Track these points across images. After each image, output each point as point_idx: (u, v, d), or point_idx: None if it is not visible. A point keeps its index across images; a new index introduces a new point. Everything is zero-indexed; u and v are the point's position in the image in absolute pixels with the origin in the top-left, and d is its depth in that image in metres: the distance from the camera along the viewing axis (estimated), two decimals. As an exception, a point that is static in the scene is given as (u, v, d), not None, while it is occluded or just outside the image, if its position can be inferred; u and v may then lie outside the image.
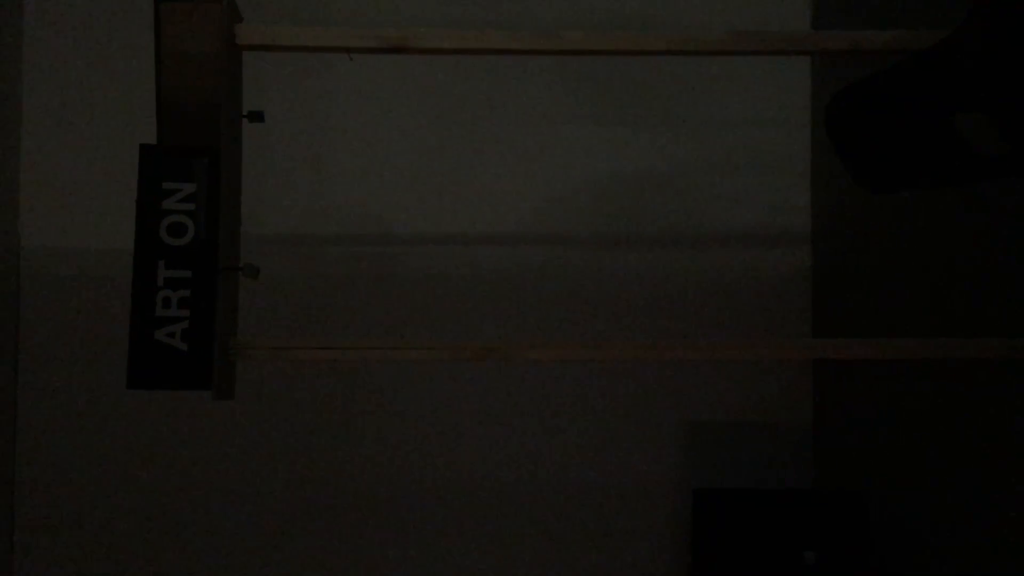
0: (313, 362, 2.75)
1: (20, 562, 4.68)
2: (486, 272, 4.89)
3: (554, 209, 4.96)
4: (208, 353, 2.54)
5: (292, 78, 4.80)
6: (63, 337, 4.76)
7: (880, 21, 4.19)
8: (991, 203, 3.38)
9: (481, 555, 4.82)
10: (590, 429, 4.83)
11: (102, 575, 4.67)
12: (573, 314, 4.89)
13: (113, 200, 4.60)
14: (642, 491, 4.84)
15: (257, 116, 2.92)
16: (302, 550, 4.76)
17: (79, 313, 4.74)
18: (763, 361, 4.80)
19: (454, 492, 4.81)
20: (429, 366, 4.42)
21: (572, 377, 4.79)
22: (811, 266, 5.01)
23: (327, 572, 4.79)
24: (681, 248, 5.00)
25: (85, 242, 4.75)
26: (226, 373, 2.65)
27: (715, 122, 5.02)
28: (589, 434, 4.83)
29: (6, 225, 4.69)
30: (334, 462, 4.74)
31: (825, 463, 4.90)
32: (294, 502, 4.76)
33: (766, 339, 2.95)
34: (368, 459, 4.78)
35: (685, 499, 4.65)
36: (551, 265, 4.95)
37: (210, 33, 2.75)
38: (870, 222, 4.50)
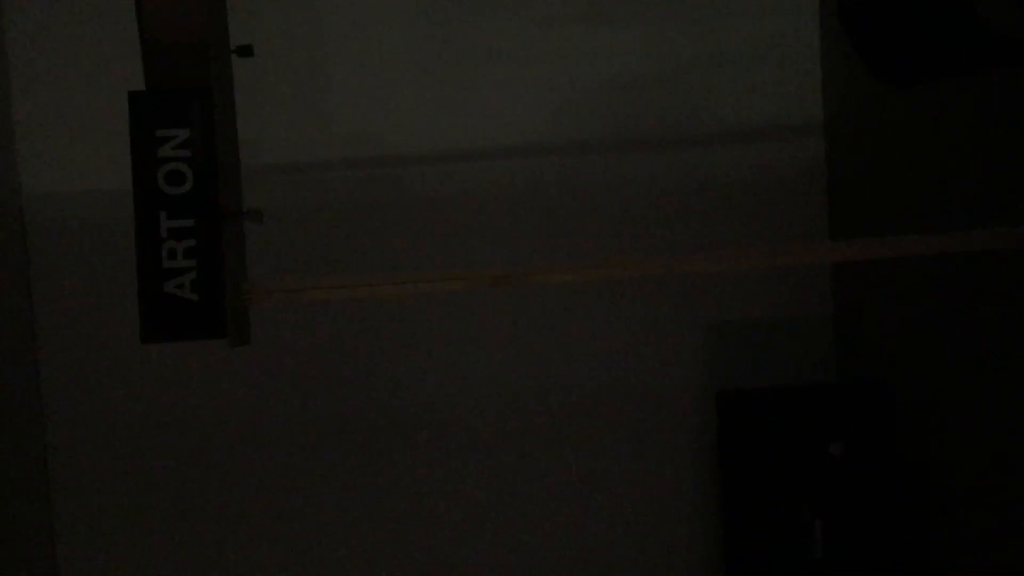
0: (325, 301, 2.71)
1: (58, 508, 4.76)
2: (492, 187, 4.81)
3: (557, 116, 4.85)
4: (220, 301, 2.49)
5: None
6: (75, 283, 4.74)
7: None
8: (1010, 89, 3.27)
9: (506, 468, 4.86)
10: (608, 340, 4.81)
11: (137, 514, 4.74)
12: (584, 224, 4.83)
13: (113, 140, 4.50)
14: (664, 396, 4.84)
15: (246, 50, 2.82)
16: (321, 483, 4.81)
17: (89, 259, 4.70)
18: (783, 274, 4.77)
19: (475, 412, 4.83)
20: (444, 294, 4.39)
21: (586, 289, 4.75)
22: (825, 159, 4.91)
23: (348, 503, 4.84)
24: (690, 148, 4.89)
25: (88, 185, 4.69)
26: (239, 319, 2.61)
27: (717, 11, 4.86)
28: (607, 345, 4.82)
29: (5, 172, 4.62)
30: (350, 394, 4.75)
31: (848, 356, 4.88)
32: (312, 435, 4.79)
33: (785, 245, 2.87)
34: (385, 387, 4.78)
35: (708, 402, 4.67)
36: (558, 175, 4.85)
37: (190, -32, 2.64)
38: (884, 111, 4.40)
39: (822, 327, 4.88)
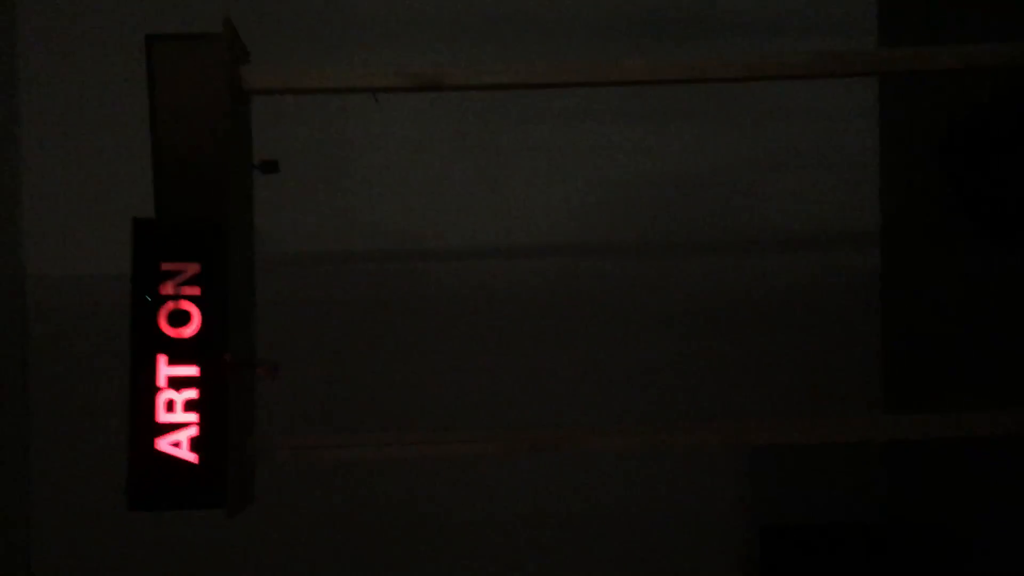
0: (342, 462, 2.39)
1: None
2: (520, 286, 4.46)
3: (591, 215, 4.51)
4: (222, 465, 2.16)
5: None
6: (72, 367, 4.41)
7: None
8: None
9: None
10: (649, 464, 4.46)
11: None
12: (619, 329, 4.45)
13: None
14: (706, 528, 4.49)
15: (271, 167, 2.51)
16: None
17: (87, 342, 4.38)
18: (828, 385, 4.43)
19: (508, 529, 4.47)
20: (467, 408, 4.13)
21: (629, 409, 4.41)
22: (880, 271, 4.56)
23: None
24: (735, 254, 4.54)
25: (90, 268, 4.37)
26: (243, 482, 2.27)
27: (770, 111, 4.52)
28: (649, 469, 4.46)
29: (8, 253, 4.32)
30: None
31: (898, 494, 4.55)
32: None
33: (831, 419, 2.60)
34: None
35: (751, 535, 4.32)
36: (591, 277, 4.49)
37: (211, 77, 2.34)
38: (942, 220, 4.10)
39: (870, 459, 4.53)
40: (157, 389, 2.17)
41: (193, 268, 2.20)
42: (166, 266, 2.20)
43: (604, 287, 4.52)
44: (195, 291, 2.19)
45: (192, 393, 2.18)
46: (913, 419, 2.68)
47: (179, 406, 2.18)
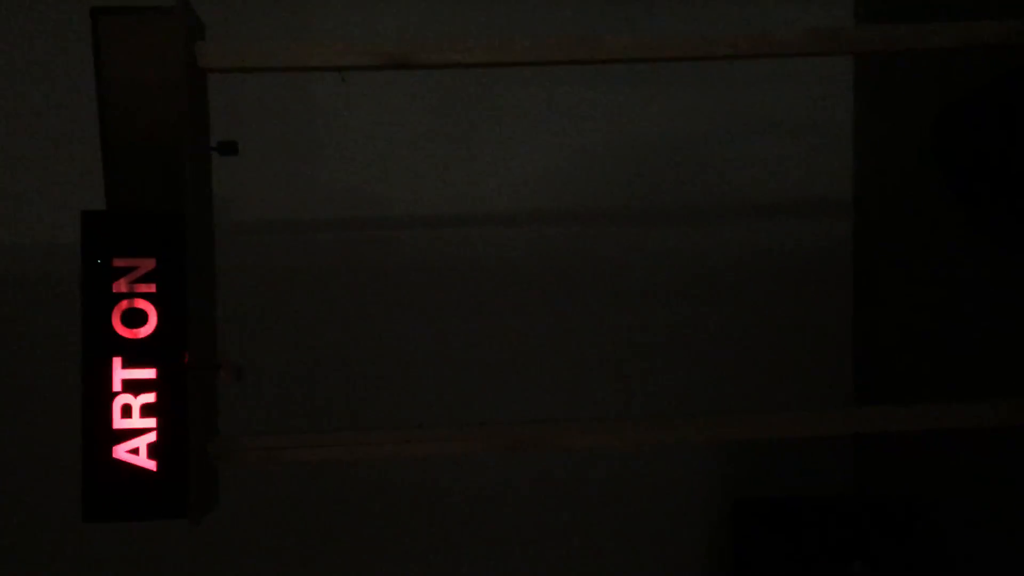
0: (311, 462, 2.27)
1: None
2: (497, 257, 4.33)
3: (567, 182, 4.37)
4: (182, 471, 2.03)
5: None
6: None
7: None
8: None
9: (519, 571, 4.44)
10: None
11: None
12: (596, 301, 4.35)
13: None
14: (681, 501, 4.46)
15: (229, 147, 2.35)
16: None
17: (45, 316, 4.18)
18: (801, 362, 4.38)
19: (488, 507, 4.41)
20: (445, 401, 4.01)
21: (603, 387, 4.32)
22: (852, 238, 4.49)
23: None
24: (711, 221, 4.44)
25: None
26: (205, 486, 2.15)
27: (744, 79, 4.40)
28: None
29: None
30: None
31: (867, 468, 4.54)
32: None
33: (808, 414, 2.55)
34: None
35: (725, 508, 4.28)
36: (566, 245, 4.37)
37: (164, 54, 2.17)
38: (917, 187, 4.00)
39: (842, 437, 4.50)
40: (113, 394, 2.03)
41: (148, 264, 2.04)
42: (119, 262, 2.04)
43: (578, 256, 4.41)
44: (150, 288, 2.05)
45: (150, 397, 2.04)
46: (890, 412, 2.62)
47: (136, 411, 2.04)
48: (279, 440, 2.19)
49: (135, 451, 2.04)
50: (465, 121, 4.30)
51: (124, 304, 2.04)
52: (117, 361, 2.04)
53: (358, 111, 4.20)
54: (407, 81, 4.19)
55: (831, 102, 4.44)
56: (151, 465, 2.03)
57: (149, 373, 2.04)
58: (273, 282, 4.06)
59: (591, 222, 4.42)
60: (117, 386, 2.04)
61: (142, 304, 2.05)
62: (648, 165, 4.39)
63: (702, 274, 4.39)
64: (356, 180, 4.26)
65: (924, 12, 3.76)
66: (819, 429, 2.56)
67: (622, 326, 4.34)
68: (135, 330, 2.06)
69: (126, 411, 2.04)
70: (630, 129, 4.38)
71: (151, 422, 2.04)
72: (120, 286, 2.04)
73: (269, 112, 4.08)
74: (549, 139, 4.34)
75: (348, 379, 4.10)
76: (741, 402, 4.37)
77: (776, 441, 4.35)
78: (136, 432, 2.04)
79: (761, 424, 2.45)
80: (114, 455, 2.03)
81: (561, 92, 4.34)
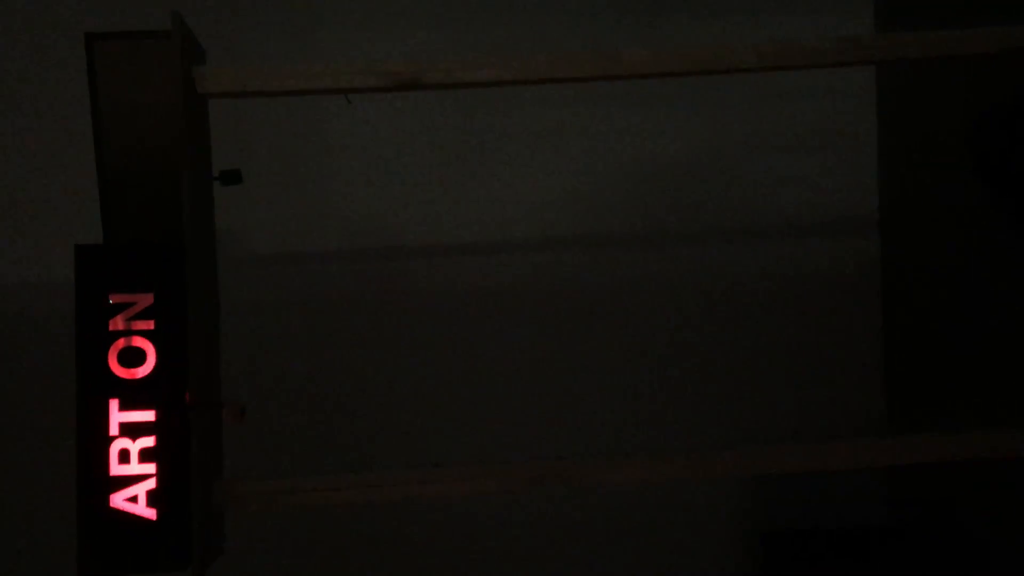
0: (323, 506, 2.14)
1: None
2: (505, 282, 4.21)
3: (580, 204, 4.25)
4: (184, 520, 1.91)
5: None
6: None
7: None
8: None
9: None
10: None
11: None
12: (614, 325, 4.20)
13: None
14: (706, 533, 4.29)
15: (232, 177, 2.24)
16: None
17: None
18: (831, 384, 4.22)
19: (499, 531, 4.25)
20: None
21: (626, 415, 4.15)
22: (880, 254, 4.34)
23: None
24: (730, 242, 4.30)
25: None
26: (210, 535, 2.02)
27: (765, 95, 4.27)
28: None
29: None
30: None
31: (900, 494, 4.37)
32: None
33: (843, 445, 2.41)
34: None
35: (752, 541, 4.11)
36: (587, 271, 4.23)
37: (162, 79, 2.06)
38: (944, 204, 3.88)
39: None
40: (110, 439, 1.91)
41: (146, 299, 1.93)
42: (115, 298, 1.93)
43: (597, 281, 4.28)
44: (149, 325, 1.93)
45: (149, 441, 1.92)
46: (922, 441, 2.47)
47: (134, 456, 1.92)
48: (288, 484, 2.06)
49: (134, 499, 1.92)
50: (475, 142, 4.18)
51: (121, 342, 1.93)
52: (114, 403, 1.92)
53: (367, 134, 4.09)
54: (417, 103, 4.08)
55: (854, 116, 4.31)
56: (151, 514, 1.91)
57: (148, 415, 1.92)
58: (280, 314, 3.95)
59: (610, 245, 4.29)
60: (114, 429, 1.91)
61: (140, 342, 1.93)
62: (668, 184, 4.27)
63: (726, 297, 4.24)
64: (366, 207, 4.15)
65: (944, 21, 3.68)
66: (855, 461, 2.42)
67: (645, 352, 4.18)
68: (133, 370, 1.94)
69: (124, 456, 1.92)
70: (648, 148, 4.25)
71: (150, 467, 1.91)
72: (117, 323, 1.92)
73: (276, 138, 3.97)
74: (566, 161, 4.22)
75: (361, 412, 3.98)
76: (769, 427, 4.20)
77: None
78: (135, 479, 1.92)
79: (794, 457, 2.31)
80: (111, 504, 1.90)
81: (577, 111, 4.22)
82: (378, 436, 3.96)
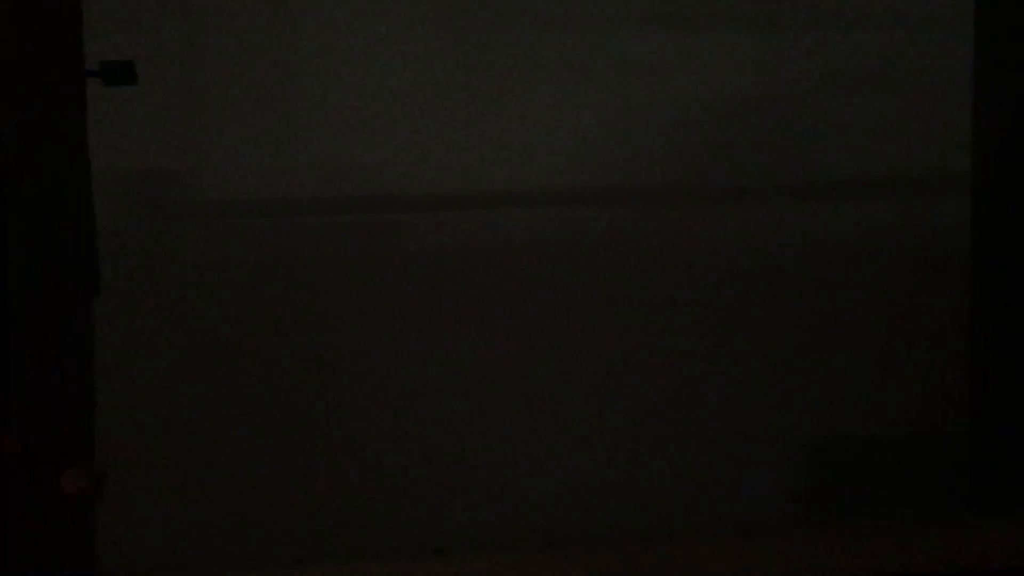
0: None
1: None
2: (520, 242, 3.88)
3: (609, 151, 3.92)
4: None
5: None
6: None
7: None
8: None
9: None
10: (689, 455, 3.93)
11: None
12: (647, 298, 3.91)
13: None
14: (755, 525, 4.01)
15: (120, 73, 1.58)
16: None
17: None
18: (904, 375, 4.01)
19: (524, 505, 3.88)
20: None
21: (661, 407, 3.86)
22: (971, 220, 4.05)
23: None
24: (786, 199, 4.00)
25: None
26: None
27: (834, 24, 3.95)
28: (689, 462, 3.93)
29: None
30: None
31: (983, 482, 4.09)
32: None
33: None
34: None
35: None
36: (617, 232, 3.91)
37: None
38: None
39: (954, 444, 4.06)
40: None
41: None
42: None
43: (629, 246, 4.03)
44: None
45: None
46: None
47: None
48: None
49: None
50: (486, 74, 3.90)
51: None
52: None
53: (351, 58, 3.75)
54: (416, 18, 3.76)
55: (944, 49, 4.04)
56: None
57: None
58: (234, 281, 3.60)
59: (645, 202, 4.04)
60: None
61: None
62: (715, 131, 3.98)
63: (781, 266, 3.99)
64: (349, 147, 3.81)
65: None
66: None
67: (682, 334, 3.93)
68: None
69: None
70: (688, 85, 3.97)
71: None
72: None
73: (236, 58, 3.60)
74: (588, 97, 3.91)
75: (341, 409, 3.71)
76: (833, 431, 4.05)
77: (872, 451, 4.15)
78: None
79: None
80: None
81: (601, 38, 3.94)
82: (366, 439, 3.66)
